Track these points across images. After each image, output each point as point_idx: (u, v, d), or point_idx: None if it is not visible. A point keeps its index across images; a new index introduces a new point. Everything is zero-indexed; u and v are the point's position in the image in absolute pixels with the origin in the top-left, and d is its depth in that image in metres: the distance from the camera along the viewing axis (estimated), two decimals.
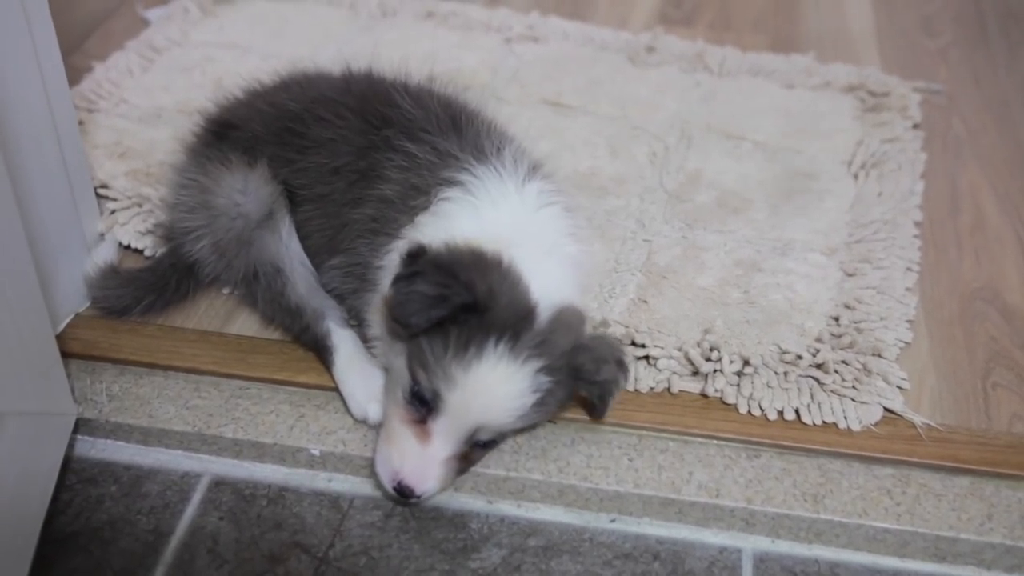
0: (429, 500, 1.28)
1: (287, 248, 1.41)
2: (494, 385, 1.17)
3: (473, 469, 1.29)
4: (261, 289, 1.41)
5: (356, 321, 1.41)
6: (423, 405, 1.21)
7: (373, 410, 1.33)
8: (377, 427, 1.33)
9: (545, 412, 1.24)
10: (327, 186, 1.40)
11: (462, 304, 1.15)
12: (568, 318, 1.23)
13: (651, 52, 2.12)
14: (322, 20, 2.18)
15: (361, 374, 1.37)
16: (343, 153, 1.38)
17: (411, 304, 1.15)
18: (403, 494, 1.22)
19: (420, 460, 1.21)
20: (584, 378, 1.23)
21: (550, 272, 1.23)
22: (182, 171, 1.48)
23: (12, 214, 1.21)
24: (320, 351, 1.40)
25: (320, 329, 1.40)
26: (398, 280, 1.18)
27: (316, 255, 1.44)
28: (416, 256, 1.19)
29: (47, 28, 1.36)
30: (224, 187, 1.40)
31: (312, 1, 2.27)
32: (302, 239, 1.43)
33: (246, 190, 1.39)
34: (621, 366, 1.26)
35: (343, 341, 1.39)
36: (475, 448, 1.25)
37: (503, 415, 1.19)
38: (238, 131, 1.47)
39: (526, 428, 1.29)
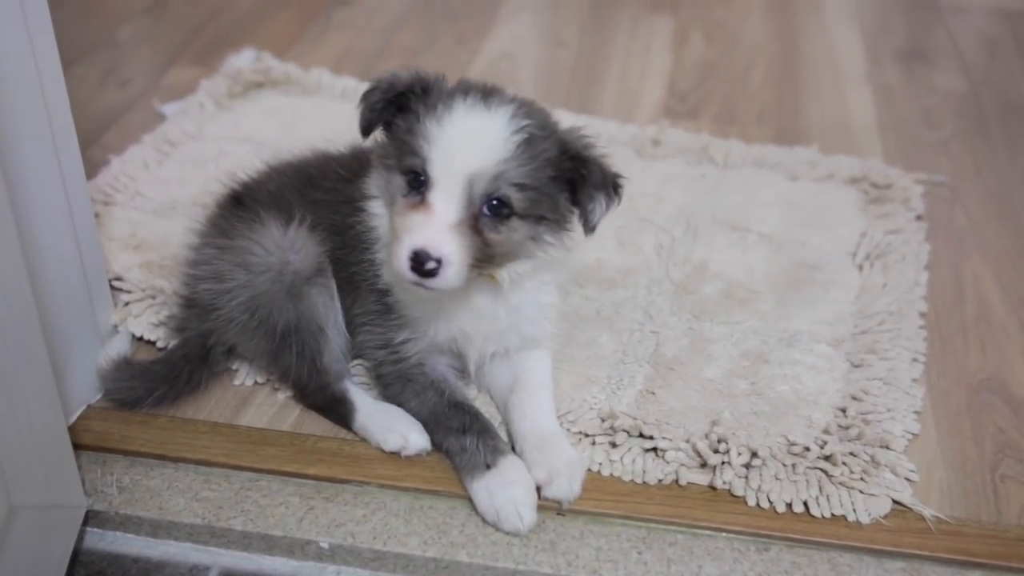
0: (449, 282, 1.24)
1: (336, 310, 1.48)
2: (471, 126, 1.24)
3: (481, 563, 1.29)
4: (297, 343, 1.44)
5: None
6: (420, 185, 1.26)
7: (413, 436, 1.40)
8: (412, 455, 1.41)
9: (535, 166, 1.26)
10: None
11: (407, 86, 1.29)
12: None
13: (657, 145, 2.16)
14: (334, 114, 2.21)
15: (386, 413, 1.45)
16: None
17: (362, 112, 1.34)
18: (421, 263, 1.22)
19: (428, 227, 1.24)
20: (571, 153, 1.29)
21: None
22: (202, 246, 1.52)
23: (30, 309, 1.23)
24: (337, 406, 1.47)
25: (338, 388, 1.47)
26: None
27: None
28: None
29: (66, 122, 1.40)
30: (268, 243, 1.43)
31: (324, 95, 2.32)
32: None
33: (294, 247, 1.44)
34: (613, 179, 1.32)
35: (361, 395, 1.47)
36: (484, 217, 1.26)
37: (488, 157, 1.23)
38: (253, 192, 1.54)
39: (527, 184, 1.26)
